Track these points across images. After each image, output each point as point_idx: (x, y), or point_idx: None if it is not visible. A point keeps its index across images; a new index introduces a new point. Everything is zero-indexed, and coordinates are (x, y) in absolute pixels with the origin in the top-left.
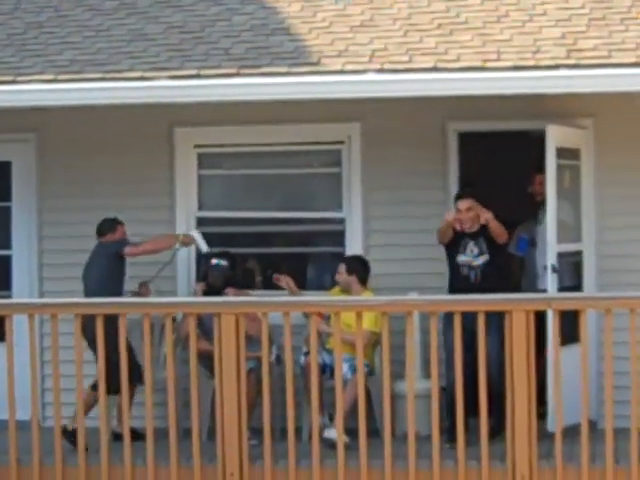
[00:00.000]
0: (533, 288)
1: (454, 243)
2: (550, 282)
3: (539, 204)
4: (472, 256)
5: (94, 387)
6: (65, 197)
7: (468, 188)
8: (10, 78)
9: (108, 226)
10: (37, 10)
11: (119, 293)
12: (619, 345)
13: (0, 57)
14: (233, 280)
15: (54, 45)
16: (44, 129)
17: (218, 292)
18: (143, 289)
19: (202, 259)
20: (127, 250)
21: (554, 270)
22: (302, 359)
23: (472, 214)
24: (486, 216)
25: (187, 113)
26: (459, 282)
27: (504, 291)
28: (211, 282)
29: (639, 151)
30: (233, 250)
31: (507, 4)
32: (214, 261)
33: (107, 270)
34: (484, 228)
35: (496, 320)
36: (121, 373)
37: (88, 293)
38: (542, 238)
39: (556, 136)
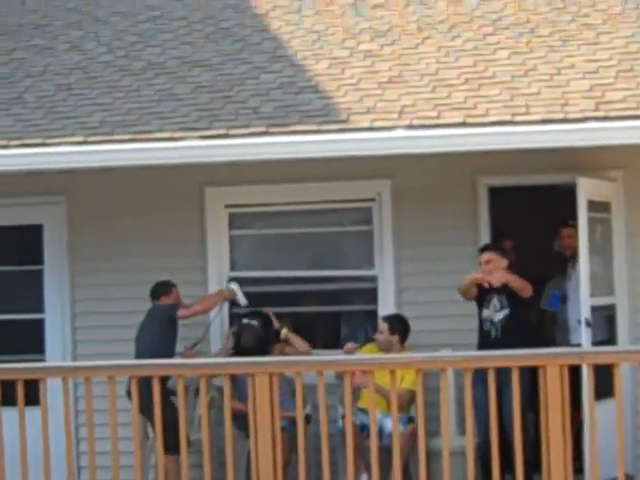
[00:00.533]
0: (566, 343)
1: (480, 298)
2: (584, 336)
3: (567, 259)
4: (494, 311)
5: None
6: (97, 259)
7: (507, 239)
8: (40, 141)
9: (162, 289)
10: (66, 72)
11: (172, 355)
12: None
13: (30, 120)
14: (266, 339)
15: (84, 107)
16: (74, 191)
17: (251, 352)
18: (188, 353)
19: (234, 319)
20: (180, 313)
21: (588, 324)
22: (340, 423)
23: (491, 266)
24: (502, 279)
25: (217, 173)
26: (482, 338)
27: (528, 346)
28: (244, 343)
29: None
30: (266, 309)
31: (535, 58)
32: (244, 321)
33: (160, 333)
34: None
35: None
36: (156, 434)
37: (140, 355)
38: (573, 292)
39: (587, 189)
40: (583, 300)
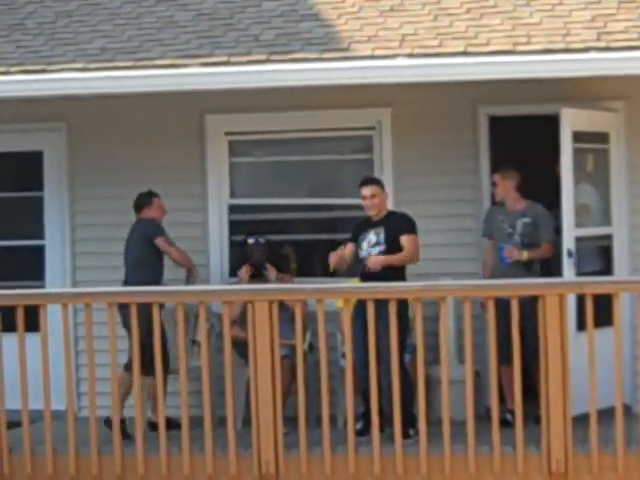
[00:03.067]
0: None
1: (357, 237)
2: (567, 267)
3: None
4: (367, 247)
5: (126, 367)
6: (97, 186)
7: (509, 170)
8: (40, 67)
9: (144, 200)
10: None
11: (154, 280)
12: None
13: (31, 46)
14: (271, 258)
15: (84, 34)
16: (75, 118)
17: (261, 270)
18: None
19: (239, 245)
20: (158, 240)
21: (570, 254)
22: (342, 362)
23: (377, 200)
24: (377, 262)
25: (218, 100)
26: (360, 269)
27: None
28: (255, 262)
29: None
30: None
31: None
32: (251, 240)
33: (142, 255)
34: (390, 217)
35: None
36: (155, 360)
37: (127, 273)
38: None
39: (571, 119)
40: (566, 230)
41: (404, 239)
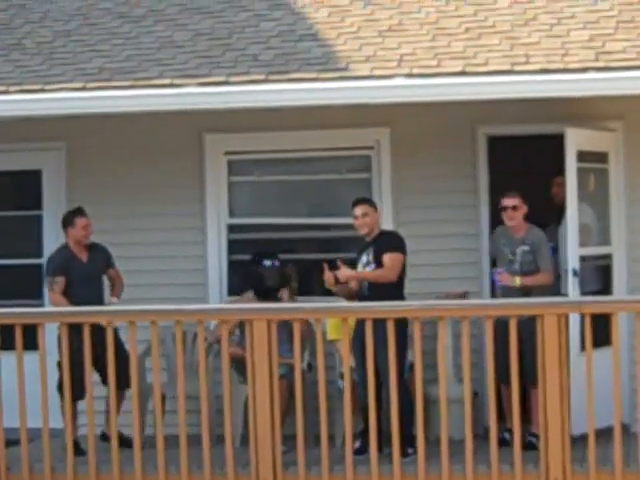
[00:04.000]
0: (559, 293)
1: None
2: (571, 286)
3: (560, 208)
4: (362, 268)
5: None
6: (95, 205)
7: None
8: (39, 87)
9: (66, 219)
10: (66, 18)
11: None
12: None
13: (29, 66)
14: (289, 280)
15: (83, 53)
16: (73, 137)
17: (275, 293)
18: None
19: (251, 264)
20: (46, 280)
21: (575, 274)
22: (340, 383)
23: (368, 219)
24: (347, 274)
25: (216, 120)
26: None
27: (393, 298)
28: (269, 284)
29: None
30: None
31: (535, 7)
32: (266, 262)
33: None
34: (380, 236)
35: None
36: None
37: None
38: (562, 242)
39: (576, 139)
40: (570, 250)
41: (385, 256)
